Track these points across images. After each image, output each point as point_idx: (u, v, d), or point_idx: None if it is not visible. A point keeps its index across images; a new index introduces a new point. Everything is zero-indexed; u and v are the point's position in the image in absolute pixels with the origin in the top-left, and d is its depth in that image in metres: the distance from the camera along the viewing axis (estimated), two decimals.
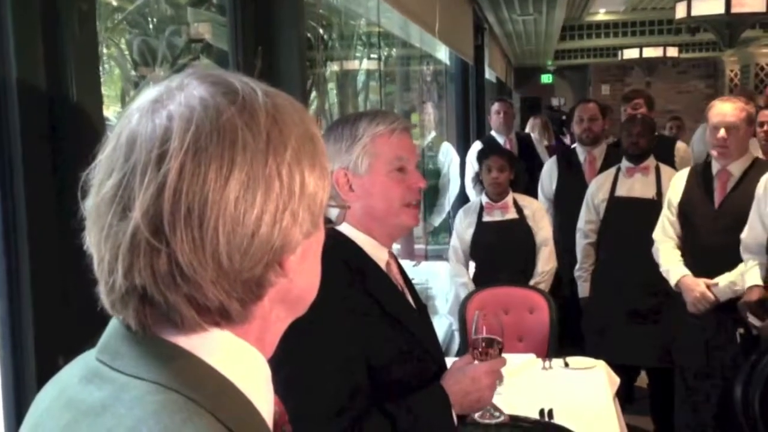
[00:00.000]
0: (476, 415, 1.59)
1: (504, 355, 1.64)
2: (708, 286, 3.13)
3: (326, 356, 1.40)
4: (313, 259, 0.74)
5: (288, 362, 1.36)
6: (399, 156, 1.51)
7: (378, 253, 1.55)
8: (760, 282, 2.84)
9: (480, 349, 1.60)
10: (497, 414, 1.62)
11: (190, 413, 0.62)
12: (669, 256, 3.31)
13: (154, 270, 0.63)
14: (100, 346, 0.70)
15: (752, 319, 2.80)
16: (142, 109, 0.67)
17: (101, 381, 0.66)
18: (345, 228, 1.53)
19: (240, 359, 0.69)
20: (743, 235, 2.93)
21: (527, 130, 7.48)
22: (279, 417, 0.77)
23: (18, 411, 1.27)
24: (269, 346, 0.74)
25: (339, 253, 1.48)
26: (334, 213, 1.08)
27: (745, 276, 2.91)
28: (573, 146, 4.94)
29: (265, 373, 0.73)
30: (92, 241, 0.67)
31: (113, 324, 0.70)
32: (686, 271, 3.22)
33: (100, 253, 0.66)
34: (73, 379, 0.69)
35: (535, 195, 4.55)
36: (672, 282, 3.27)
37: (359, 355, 1.43)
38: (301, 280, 0.72)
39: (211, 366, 0.66)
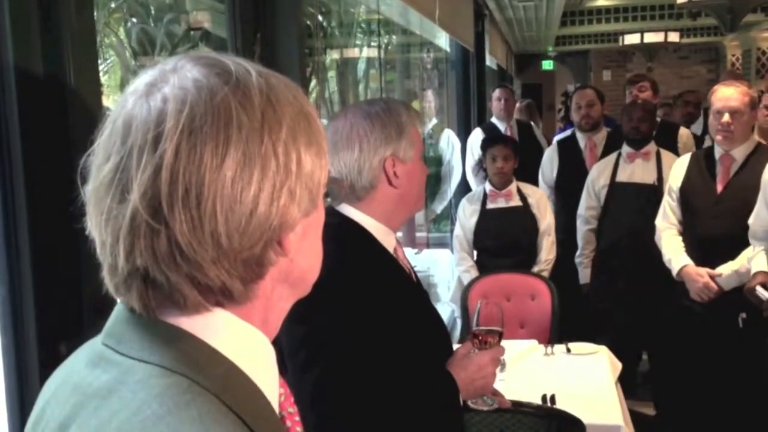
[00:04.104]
0: (470, 402, 1.60)
1: (506, 341, 1.67)
2: (711, 276, 3.12)
3: (366, 356, 1.40)
4: (313, 238, 0.75)
5: (321, 361, 1.37)
6: (421, 147, 1.59)
7: (387, 239, 1.57)
8: (765, 268, 2.83)
9: (480, 338, 1.63)
10: (490, 401, 1.63)
11: (194, 395, 0.62)
12: (671, 245, 3.30)
13: (155, 251, 0.64)
14: (106, 330, 0.71)
15: (760, 291, 2.74)
16: (137, 93, 0.67)
17: (107, 364, 0.67)
18: (353, 213, 1.54)
19: (243, 341, 0.70)
20: (750, 221, 2.92)
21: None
22: (284, 399, 0.77)
23: (21, 397, 1.27)
24: (273, 327, 0.74)
25: (353, 240, 1.50)
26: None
27: (751, 262, 2.90)
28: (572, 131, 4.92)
29: (270, 354, 0.74)
30: (93, 225, 0.68)
31: (118, 308, 0.71)
32: (688, 261, 3.20)
33: (101, 237, 0.67)
34: (80, 364, 0.70)
35: (535, 182, 4.54)
36: (674, 271, 3.25)
37: (388, 344, 1.44)
38: (302, 259, 0.72)
39: (215, 348, 0.67)
